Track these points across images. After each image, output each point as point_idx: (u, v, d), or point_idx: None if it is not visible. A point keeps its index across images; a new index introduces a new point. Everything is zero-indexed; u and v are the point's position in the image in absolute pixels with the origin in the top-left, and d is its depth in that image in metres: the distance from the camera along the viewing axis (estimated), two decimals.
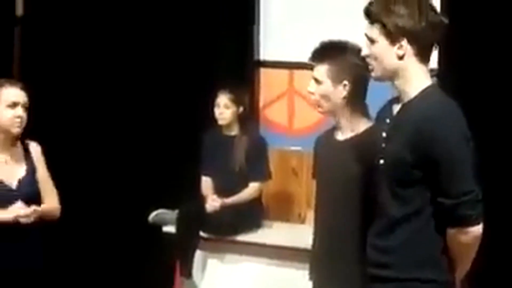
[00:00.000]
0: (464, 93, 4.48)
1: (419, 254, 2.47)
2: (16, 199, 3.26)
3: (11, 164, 3.35)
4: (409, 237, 2.47)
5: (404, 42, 2.45)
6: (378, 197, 2.56)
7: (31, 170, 3.37)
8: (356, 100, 2.94)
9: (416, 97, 2.48)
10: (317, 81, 2.94)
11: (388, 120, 2.57)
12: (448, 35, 4.39)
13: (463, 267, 2.54)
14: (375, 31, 2.48)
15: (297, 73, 5.15)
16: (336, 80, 2.90)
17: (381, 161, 2.53)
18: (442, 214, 2.42)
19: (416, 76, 2.49)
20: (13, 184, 3.31)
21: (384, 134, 2.55)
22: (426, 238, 2.47)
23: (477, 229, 2.43)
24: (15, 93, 3.36)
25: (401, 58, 2.46)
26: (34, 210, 3.24)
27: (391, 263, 2.51)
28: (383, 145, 2.54)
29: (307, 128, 5.06)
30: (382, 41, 2.47)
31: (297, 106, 5.23)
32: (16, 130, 3.33)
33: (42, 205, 3.33)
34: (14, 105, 3.32)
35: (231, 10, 5.19)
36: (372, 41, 2.50)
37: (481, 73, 4.52)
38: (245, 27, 5.20)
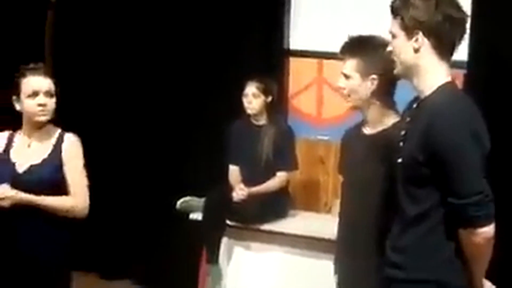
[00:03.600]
0: (494, 86, 4.49)
1: (431, 255, 2.44)
2: (20, 184, 3.14)
3: (32, 149, 3.26)
4: (422, 238, 2.44)
5: (420, 36, 2.43)
6: (396, 196, 2.54)
7: (52, 160, 3.24)
8: (384, 95, 2.93)
9: (430, 94, 2.46)
10: (346, 76, 2.95)
11: (408, 119, 2.56)
12: (479, 28, 4.44)
13: (478, 270, 2.48)
14: (395, 26, 2.49)
15: (326, 62, 5.13)
16: (365, 74, 2.90)
17: (399, 160, 2.51)
18: (452, 215, 2.39)
19: (432, 73, 2.47)
20: (22, 169, 3.21)
21: (402, 132, 2.55)
22: (439, 240, 2.43)
23: (488, 230, 2.36)
24: (35, 82, 3.24)
25: (417, 51, 2.44)
26: (8, 196, 3.09)
27: (404, 263, 2.49)
28: (401, 143, 2.53)
29: (335, 117, 5.05)
30: (401, 35, 2.48)
31: (326, 96, 5.21)
32: (41, 118, 3.24)
33: (51, 198, 3.17)
34: (34, 94, 3.22)
35: None
36: (393, 36, 2.51)
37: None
38: (274, 16, 5.18)
